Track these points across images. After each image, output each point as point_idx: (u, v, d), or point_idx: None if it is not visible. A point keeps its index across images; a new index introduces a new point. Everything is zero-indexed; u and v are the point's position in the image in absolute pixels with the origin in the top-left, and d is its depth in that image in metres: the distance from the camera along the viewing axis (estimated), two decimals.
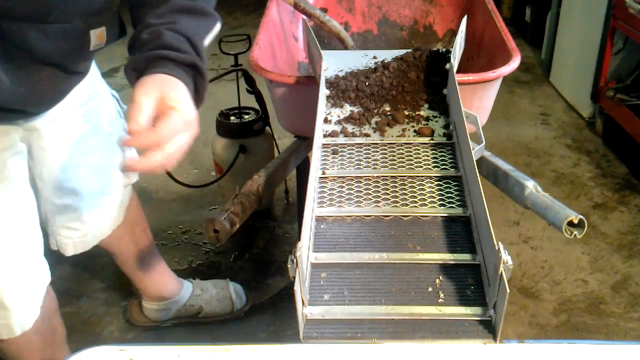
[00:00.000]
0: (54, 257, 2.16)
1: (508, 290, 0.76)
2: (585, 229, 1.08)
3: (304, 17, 1.84)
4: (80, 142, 1.36)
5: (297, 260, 0.79)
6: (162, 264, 1.80)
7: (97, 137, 1.40)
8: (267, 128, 2.29)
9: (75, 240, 1.47)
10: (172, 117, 0.86)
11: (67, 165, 1.36)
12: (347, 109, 1.38)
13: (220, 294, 1.89)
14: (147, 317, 1.85)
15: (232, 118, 2.28)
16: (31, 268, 1.28)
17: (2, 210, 1.19)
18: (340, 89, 1.42)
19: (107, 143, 1.44)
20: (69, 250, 1.48)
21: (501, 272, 0.78)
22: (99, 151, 1.42)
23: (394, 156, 1.22)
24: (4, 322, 1.26)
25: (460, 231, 1.01)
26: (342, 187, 1.13)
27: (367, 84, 1.43)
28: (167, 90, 0.88)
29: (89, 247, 1.51)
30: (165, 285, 1.82)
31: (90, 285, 2.05)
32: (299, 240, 0.83)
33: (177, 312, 1.85)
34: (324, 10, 2.11)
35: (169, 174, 2.15)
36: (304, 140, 1.64)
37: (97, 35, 1.07)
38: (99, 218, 1.49)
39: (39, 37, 0.99)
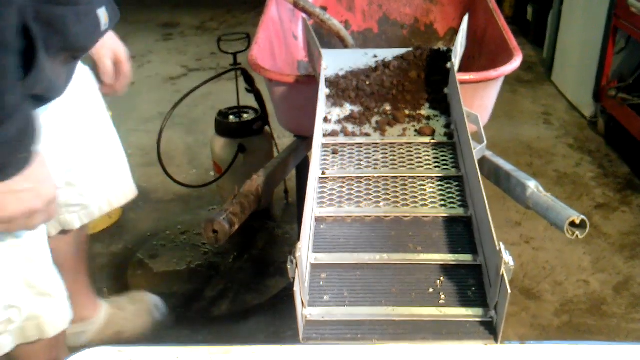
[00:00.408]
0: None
1: (509, 291, 0.76)
2: (587, 229, 1.08)
3: (304, 15, 1.83)
4: (73, 119, 1.35)
5: (296, 261, 0.79)
6: (87, 280, 1.71)
7: (88, 109, 1.41)
8: (267, 127, 2.28)
9: (80, 213, 1.46)
10: (126, 67, 1.43)
11: (63, 146, 1.33)
12: (348, 109, 1.38)
13: (140, 308, 1.80)
14: None
15: (231, 117, 2.27)
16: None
17: None
18: (341, 88, 1.42)
19: (98, 113, 1.45)
20: (76, 223, 1.46)
21: (502, 273, 0.77)
22: (90, 123, 1.42)
23: (395, 156, 1.21)
24: (57, 315, 1.23)
25: (461, 232, 1.00)
26: (342, 187, 1.12)
27: (367, 83, 1.42)
28: (115, 49, 1.39)
29: (95, 217, 1.49)
30: (86, 303, 1.71)
31: None
32: (299, 240, 0.83)
33: (93, 335, 1.72)
34: (324, 8, 2.10)
35: (168, 175, 2.14)
36: (304, 140, 1.63)
37: (103, 15, 1.13)
38: (99, 188, 1.48)
39: (73, 20, 1.03)
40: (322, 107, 1.33)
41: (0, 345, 1.16)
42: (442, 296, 0.88)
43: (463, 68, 1.82)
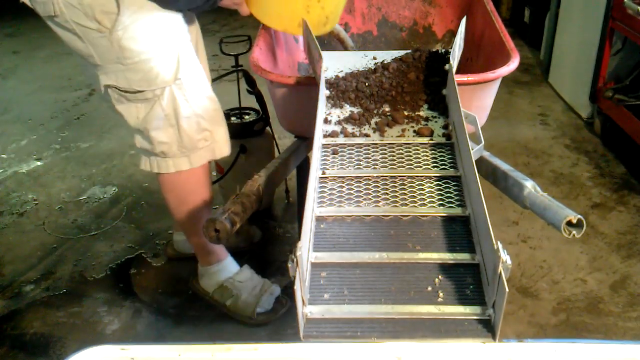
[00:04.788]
0: (54, 258, 2.16)
1: (507, 290, 0.77)
2: (584, 228, 1.08)
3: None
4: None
5: (297, 260, 0.79)
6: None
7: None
8: (268, 128, 2.30)
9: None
10: None
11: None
12: (347, 110, 1.39)
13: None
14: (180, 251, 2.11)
15: (232, 118, 2.28)
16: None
17: None
18: (340, 90, 1.43)
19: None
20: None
21: (500, 272, 0.78)
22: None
23: (394, 156, 1.22)
24: (225, 143, 1.67)
25: (459, 231, 1.01)
26: (342, 187, 1.13)
27: (366, 84, 1.43)
28: None
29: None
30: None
31: (91, 284, 2.05)
32: (299, 239, 0.84)
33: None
34: None
35: None
36: (304, 141, 1.65)
37: None
38: None
39: None
40: (322, 108, 1.35)
41: (201, 157, 1.65)
42: (441, 294, 0.89)
43: (461, 70, 1.84)
